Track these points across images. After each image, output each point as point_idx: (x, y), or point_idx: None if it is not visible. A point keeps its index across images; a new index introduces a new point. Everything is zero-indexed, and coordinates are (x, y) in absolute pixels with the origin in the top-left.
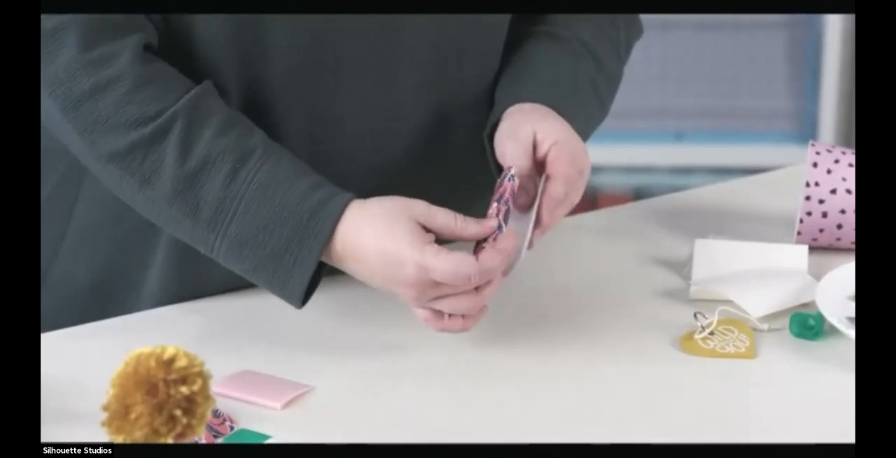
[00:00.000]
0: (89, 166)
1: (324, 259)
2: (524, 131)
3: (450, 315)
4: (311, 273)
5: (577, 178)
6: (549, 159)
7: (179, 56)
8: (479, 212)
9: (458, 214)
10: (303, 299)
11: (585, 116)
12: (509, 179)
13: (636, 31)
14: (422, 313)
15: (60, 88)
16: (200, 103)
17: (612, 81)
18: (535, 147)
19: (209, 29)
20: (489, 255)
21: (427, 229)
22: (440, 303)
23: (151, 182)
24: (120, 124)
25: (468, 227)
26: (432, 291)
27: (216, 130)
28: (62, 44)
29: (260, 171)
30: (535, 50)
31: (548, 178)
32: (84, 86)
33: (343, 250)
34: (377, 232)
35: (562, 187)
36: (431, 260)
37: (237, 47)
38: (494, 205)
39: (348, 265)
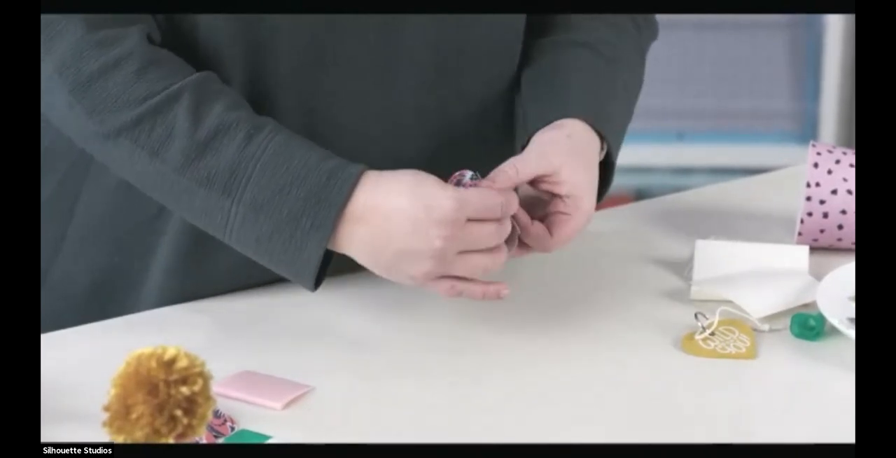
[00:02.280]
0: (97, 152)
1: (335, 237)
2: (549, 161)
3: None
4: (327, 238)
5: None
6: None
7: (184, 56)
8: None
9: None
10: (316, 277)
11: (622, 123)
12: (472, 178)
13: (653, 33)
14: (440, 287)
15: (69, 70)
16: (208, 85)
17: (638, 83)
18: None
19: (211, 30)
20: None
21: None
22: (460, 264)
23: (160, 153)
24: (129, 102)
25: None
26: (460, 238)
27: (226, 106)
28: (66, 28)
29: (274, 140)
30: (566, 60)
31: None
32: (93, 66)
33: (364, 208)
34: (404, 185)
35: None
36: (464, 193)
37: (239, 48)
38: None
39: (364, 228)
